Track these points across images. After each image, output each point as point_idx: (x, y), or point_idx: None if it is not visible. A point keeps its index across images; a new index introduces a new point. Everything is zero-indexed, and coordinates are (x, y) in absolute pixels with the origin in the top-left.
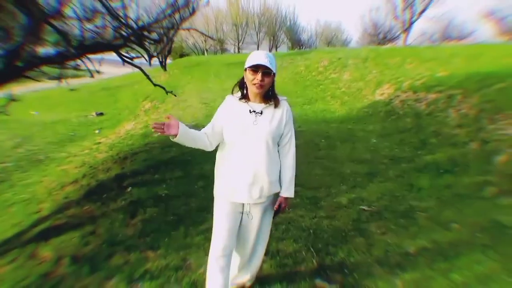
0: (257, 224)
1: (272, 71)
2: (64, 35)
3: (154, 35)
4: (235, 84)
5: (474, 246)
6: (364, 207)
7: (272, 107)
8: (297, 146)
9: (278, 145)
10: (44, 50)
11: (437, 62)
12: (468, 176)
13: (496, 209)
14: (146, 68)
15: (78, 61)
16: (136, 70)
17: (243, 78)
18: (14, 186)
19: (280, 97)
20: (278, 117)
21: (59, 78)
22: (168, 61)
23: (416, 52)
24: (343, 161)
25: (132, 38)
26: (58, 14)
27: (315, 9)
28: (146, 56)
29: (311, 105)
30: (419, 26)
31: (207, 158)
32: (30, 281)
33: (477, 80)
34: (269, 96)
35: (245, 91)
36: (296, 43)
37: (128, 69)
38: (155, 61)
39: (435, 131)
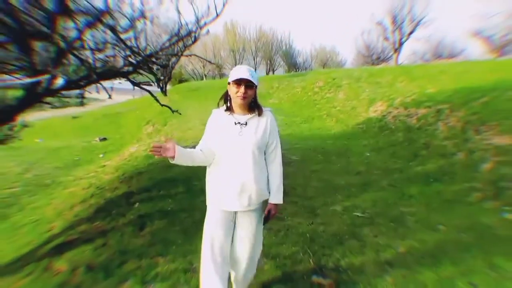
0: (249, 231)
1: (254, 84)
2: (86, 62)
3: (160, 62)
4: (220, 98)
5: (459, 244)
6: (358, 214)
7: (256, 117)
8: (294, 161)
9: (265, 153)
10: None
11: (426, 80)
12: (455, 184)
13: (481, 212)
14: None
15: (85, 89)
16: (137, 96)
17: (227, 91)
18: (23, 210)
19: (264, 108)
20: (262, 127)
21: (81, 103)
22: (168, 87)
23: (407, 71)
24: (339, 173)
25: (141, 65)
26: (79, 44)
27: (310, 34)
28: (154, 80)
29: (308, 124)
30: (410, 46)
31: None
32: None
33: (463, 94)
34: (252, 106)
35: (229, 104)
36: (293, 66)
37: (128, 96)
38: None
39: (425, 143)
